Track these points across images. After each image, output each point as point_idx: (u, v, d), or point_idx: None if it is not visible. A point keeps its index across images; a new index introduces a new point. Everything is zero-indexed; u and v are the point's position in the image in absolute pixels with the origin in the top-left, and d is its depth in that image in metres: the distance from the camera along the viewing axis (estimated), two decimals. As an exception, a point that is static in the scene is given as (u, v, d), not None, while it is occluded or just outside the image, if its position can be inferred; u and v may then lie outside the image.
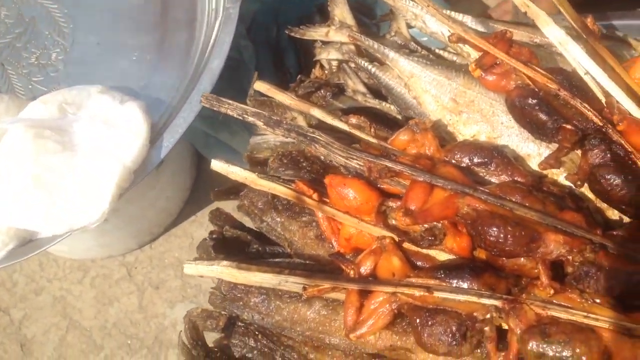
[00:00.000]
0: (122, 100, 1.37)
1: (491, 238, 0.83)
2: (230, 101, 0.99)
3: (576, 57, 0.91)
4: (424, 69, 1.08)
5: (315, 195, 1.02)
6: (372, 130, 1.01)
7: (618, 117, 0.85)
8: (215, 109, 1.00)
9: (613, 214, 0.95)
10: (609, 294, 0.79)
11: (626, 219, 0.93)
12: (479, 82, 0.98)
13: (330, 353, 1.02)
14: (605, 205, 0.94)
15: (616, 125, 0.85)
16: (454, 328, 0.83)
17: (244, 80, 1.66)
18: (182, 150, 1.80)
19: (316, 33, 1.21)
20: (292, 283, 0.98)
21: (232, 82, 1.66)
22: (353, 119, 1.02)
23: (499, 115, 1.00)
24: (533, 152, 0.98)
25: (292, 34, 1.22)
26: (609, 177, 0.87)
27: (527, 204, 0.86)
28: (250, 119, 0.98)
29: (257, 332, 1.10)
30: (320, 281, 0.95)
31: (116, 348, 1.73)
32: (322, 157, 1.01)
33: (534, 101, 0.92)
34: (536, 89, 0.94)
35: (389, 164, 0.91)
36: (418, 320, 0.86)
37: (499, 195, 0.87)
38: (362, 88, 1.23)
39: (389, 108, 1.19)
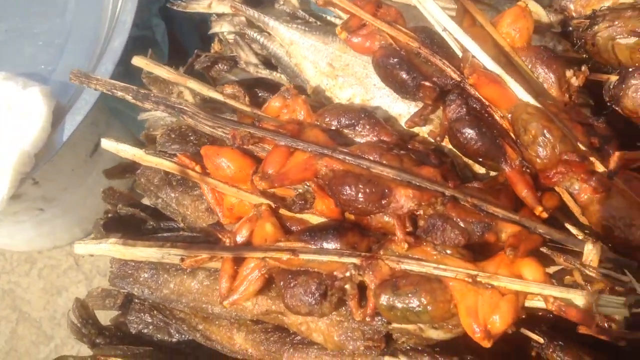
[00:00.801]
0: (25, 85, 1.36)
1: (344, 196, 0.84)
2: (98, 77, 0.99)
3: (433, 13, 0.92)
4: (302, 36, 1.08)
5: (198, 168, 1.02)
6: (246, 99, 1.01)
7: (468, 70, 0.85)
8: (85, 85, 1.00)
9: (481, 168, 0.96)
10: (456, 244, 0.80)
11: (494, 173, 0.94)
12: (347, 44, 0.98)
13: (217, 322, 1.03)
14: (475, 159, 0.95)
15: (467, 79, 0.86)
16: (313, 288, 0.84)
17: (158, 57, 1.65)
18: (120, 134, 1.80)
19: (199, 5, 1.21)
20: (173, 255, 0.99)
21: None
22: (228, 89, 1.02)
23: (371, 77, 1.01)
24: (403, 111, 0.99)
25: (175, 7, 1.21)
26: (464, 130, 0.88)
27: (384, 162, 0.86)
28: (120, 93, 0.98)
29: (152, 308, 1.11)
30: (198, 252, 0.96)
31: (66, 337, 1.72)
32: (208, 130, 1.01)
33: (395, 60, 0.93)
34: (398, 48, 0.94)
35: (252, 130, 0.91)
36: (282, 283, 0.87)
37: (357, 154, 0.87)
38: (254, 59, 1.22)
39: (280, 78, 1.19)
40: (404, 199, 0.83)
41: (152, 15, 1.66)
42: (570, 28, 1.08)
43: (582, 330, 0.86)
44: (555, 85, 0.97)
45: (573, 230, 0.90)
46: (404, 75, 0.92)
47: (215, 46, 1.32)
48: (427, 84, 0.91)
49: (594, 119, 0.95)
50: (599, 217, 0.82)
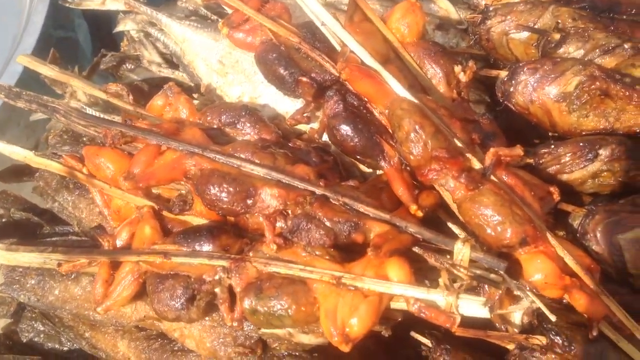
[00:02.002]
0: None
1: (208, 196, 0.81)
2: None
3: (312, 7, 0.89)
4: (194, 33, 1.05)
5: (85, 170, 0.99)
6: (130, 97, 0.98)
7: (341, 64, 0.83)
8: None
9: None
10: (321, 244, 0.77)
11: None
12: (229, 40, 0.95)
13: (103, 330, 0.99)
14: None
15: (340, 73, 0.83)
16: (179, 292, 0.81)
17: (80, 58, 1.62)
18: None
19: (92, 2, 1.17)
20: (54, 260, 0.95)
21: (69, 61, 1.63)
22: (112, 87, 0.99)
23: (259, 75, 0.98)
24: (290, 109, 0.96)
25: (67, 4, 1.18)
26: (340, 127, 0.85)
27: (255, 160, 0.83)
28: (-7, 92, 0.95)
29: (43, 316, 1.07)
30: (77, 256, 0.92)
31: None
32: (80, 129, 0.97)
33: (274, 55, 0.90)
34: (278, 44, 0.91)
35: (123, 129, 0.87)
36: (150, 288, 0.84)
37: (228, 153, 0.84)
38: (157, 58, 1.19)
39: (182, 77, 1.16)
40: (270, 198, 0.80)
41: (75, 17, 1.63)
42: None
43: (458, 332, 0.84)
44: (443, 80, 0.95)
45: (455, 229, 0.87)
46: (282, 71, 0.89)
47: (124, 45, 1.28)
48: (304, 79, 0.88)
49: (479, 115, 0.93)
50: (471, 215, 0.79)
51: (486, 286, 0.89)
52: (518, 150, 0.81)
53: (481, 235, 0.80)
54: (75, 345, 1.05)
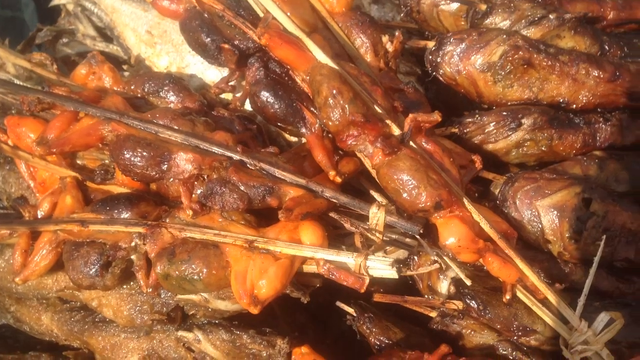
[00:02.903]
0: None
1: (122, 161, 0.79)
2: None
3: (233, -26, 0.88)
4: (123, 3, 1.03)
5: (11, 141, 0.97)
6: (54, 66, 0.96)
7: (260, 30, 0.82)
8: None
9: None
10: (235, 208, 0.76)
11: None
12: (154, 8, 0.94)
13: (27, 303, 0.97)
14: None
15: (259, 39, 0.82)
16: (93, 259, 0.80)
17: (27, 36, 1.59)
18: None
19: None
20: (-26, 232, 0.93)
21: (17, 40, 1.60)
22: (35, 57, 0.96)
23: (186, 44, 0.96)
24: (217, 79, 0.95)
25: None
26: (260, 94, 0.84)
27: (174, 127, 0.82)
28: None
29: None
30: (-3, 227, 0.91)
31: None
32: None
33: (197, 22, 0.89)
34: (201, 11, 0.90)
35: (40, 95, 0.86)
36: (65, 255, 0.82)
37: (147, 119, 0.83)
38: (92, 32, 1.17)
39: (117, 50, 1.14)
40: (184, 163, 0.79)
41: (22, -6, 1.60)
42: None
43: (377, 298, 0.84)
44: (370, 50, 0.95)
45: (378, 197, 0.87)
46: (205, 38, 0.88)
47: (60, 20, 1.26)
48: (226, 46, 0.87)
49: (404, 84, 0.93)
50: (388, 180, 0.79)
51: (416, 257, 0.91)
52: (436, 116, 0.81)
53: (398, 200, 0.80)
54: (2, 320, 1.03)
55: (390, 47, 0.94)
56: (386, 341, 0.86)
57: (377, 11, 1.11)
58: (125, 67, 1.05)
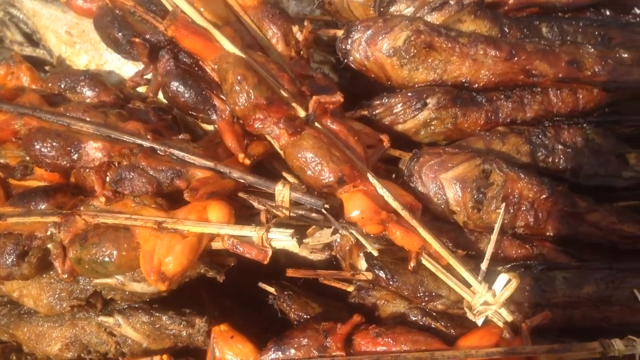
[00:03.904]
0: None
1: (34, 152, 0.82)
2: None
3: (141, -30, 0.91)
4: (43, 6, 1.06)
5: None
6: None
7: (166, 23, 0.85)
8: None
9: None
10: (144, 192, 0.79)
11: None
12: (69, 7, 0.97)
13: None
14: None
15: (167, 31, 0.86)
16: (9, 249, 0.82)
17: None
18: None
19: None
20: None
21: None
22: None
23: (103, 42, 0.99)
24: (132, 72, 0.98)
25: None
26: (171, 84, 0.87)
27: (86, 118, 0.85)
28: None
29: None
30: None
31: None
32: None
33: (109, 19, 0.92)
34: (113, 7, 0.93)
35: (-47, 95, 0.88)
36: (-18, 248, 0.84)
37: (59, 112, 0.86)
38: (19, 38, 1.19)
39: (43, 54, 1.16)
40: (94, 151, 0.82)
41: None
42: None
43: (290, 273, 0.87)
44: (281, 40, 0.99)
45: (290, 178, 0.90)
46: (117, 33, 0.92)
47: (-8, 28, 1.27)
48: (137, 40, 0.90)
49: (313, 71, 0.97)
50: (293, 159, 0.83)
51: (338, 239, 0.94)
52: (338, 97, 0.85)
53: (304, 178, 0.83)
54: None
55: (300, 37, 0.98)
56: (305, 316, 0.89)
57: (296, 5, 1.15)
58: (47, 68, 1.07)
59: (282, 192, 0.81)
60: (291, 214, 0.83)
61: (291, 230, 0.76)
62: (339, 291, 0.95)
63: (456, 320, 0.86)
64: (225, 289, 1.05)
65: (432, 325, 0.86)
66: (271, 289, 0.92)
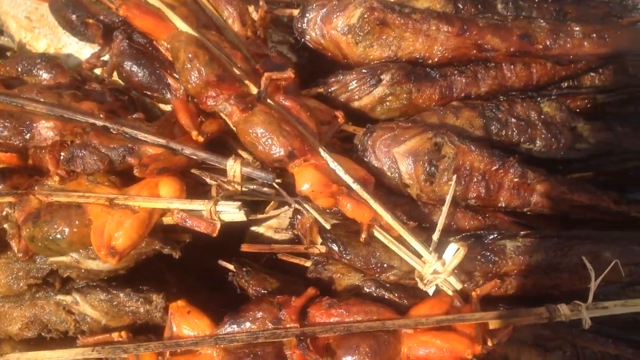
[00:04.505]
0: None
1: (-16, 134, 0.82)
2: None
3: (97, -47, 0.92)
4: (1, -8, 1.06)
5: None
6: None
7: (117, 2, 0.86)
8: None
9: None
10: (96, 169, 0.80)
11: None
12: (26, -8, 0.97)
13: None
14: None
15: (118, 11, 0.86)
16: (-35, 229, 0.83)
17: None
18: None
19: None
20: None
21: None
22: None
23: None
24: (89, 54, 0.98)
25: None
26: (124, 64, 0.89)
27: (40, 99, 0.86)
28: None
29: None
30: None
31: None
32: None
33: (63, 1, 0.93)
34: (68, -11, 0.94)
35: None
36: (-60, 229, 0.85)
37: (13, 94, 0.86)
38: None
39: (7, 41, 1.16)
40: (46, 131, 0.82)
41: None
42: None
43: (244, 248, 0.89)
44: (237, 20, 0.99)
45: (244, 154, 0.92)
46: (71, 15, 0.92)
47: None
48: (91, 21, 0.91)
49: (269, 49, 0.98)
50: (245, 135, 0.84)
51: (299, 216, 0.96)
52: (289, 73, 0.87)
53: (256, 153, 0.85)
54: None
55: (255, 16, 0.99)
56: (262, 291, 0.91)
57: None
58: (9, 54, 1.08)
59: (234, 167, 0.82)
60: (243, 189, 0.84)
61: (238, 203, 0.78)
62: (299, 267, 0.97)
63: (409, 291, 0.88)
64: (192, 269, 1.07)
65: (386, 296, 0.87)
66: (230, 266, 0.94)
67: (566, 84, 1.09)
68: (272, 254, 0.96)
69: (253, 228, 1.07)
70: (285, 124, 0.84)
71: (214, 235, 0.77)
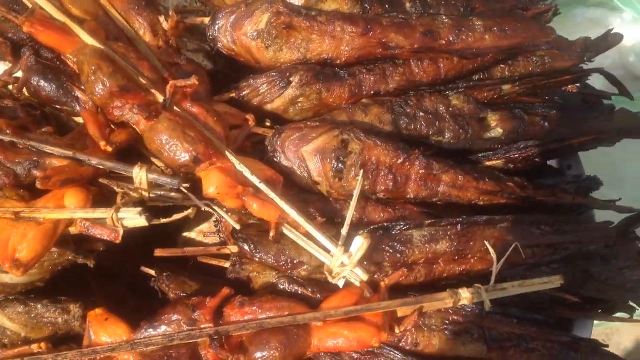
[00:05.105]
0: None
1: None
2: None
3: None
4: None
5: None
6: None
7: (21, 19, 0.88)
8: None
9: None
10: (1, 185, 0.82)
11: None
12: None
13: None
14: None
15: (22, 27, 0.88)
16: None
17: None
18: None
19: None
20: None
21: None
22: None
23: (-25, 45, 1.01)
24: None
25: None
26: (32, 80, 0.90)
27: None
28: None
29: None
30: None
31: None
32: None
33: (-31, 22, 0.94)
34: (-26, 10, 0.95)
35: None
36: None
37: None
38: None
39: None
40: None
41: None
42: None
43: (158, 253, 0.91)
44: (149, 31, 1.02)
45: (156, 161, 0.93)
46: (-23, 35, 0.93)
47: None
48: (-1, 40, 0.92)
49: (180, 58, 1.01)
50: (151, 143, 0.86)
51: (222, 222, 0.98)
52: (193, 80, 0.89)
53: (163, 160, 0.87)
54: None
55: (165, 26, 1.01)
56: (182, 294, 0.93)
57: (175, -1, 1.18)
58: None
59: (140, 175, 0.84)
60: (151, 195, 0.86)
61: (139, 209, 0.80)
62: (224, 269, 0.99)
63: (323, 286, 0.91)
64: (124, 277, 1.08)
65: (300, 292, 0.90)
66: (151, 272, 0.96)
67: (478, 77, 1.12)
68: (194, 257, 0.98)
69: (185, 234, 1.09)
70: (190, 130, 0.86)
71: (117, 241, 0.79)
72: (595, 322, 2.03)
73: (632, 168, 1.69)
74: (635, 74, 2.09)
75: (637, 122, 1.08)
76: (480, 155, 1.05)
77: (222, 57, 1.09)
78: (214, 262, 0.97)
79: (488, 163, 1.05)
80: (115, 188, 0.86)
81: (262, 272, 0.92)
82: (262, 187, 0.87)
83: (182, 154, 0.85)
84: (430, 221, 0.91)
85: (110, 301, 1.01)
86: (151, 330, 0.85)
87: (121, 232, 0.79)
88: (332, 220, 0.94)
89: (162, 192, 0.86)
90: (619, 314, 0.99)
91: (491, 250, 0.89)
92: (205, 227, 1.09)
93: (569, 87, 1.21)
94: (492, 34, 1.03)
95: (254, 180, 0.87)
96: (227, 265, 0.96)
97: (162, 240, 0.98)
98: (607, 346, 0.90)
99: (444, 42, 1.02)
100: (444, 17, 1.04)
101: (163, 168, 0.90)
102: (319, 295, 0.89)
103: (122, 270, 1.08)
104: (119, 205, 0.80)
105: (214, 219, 1.02)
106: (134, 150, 0.94)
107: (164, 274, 0.95)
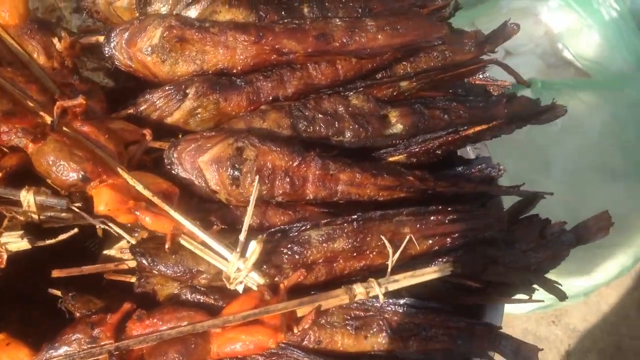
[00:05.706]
0: None
1: None
2: None
3: None
4: None
5: None
6: None
7: None
8: None
9: None
10: None
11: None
12: None
13: None
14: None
15: None
16: None
17: None
18: None
19: None
20: None
21: None
22: None
23: None
24: None
25: None
26: None
27: None
28: None
29: None
30: None
31: None
32: None
33: None
34: None
35: None
36: None
37: None
38: None
39: None
40: None
41: None
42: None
43: (55, 273, 0.91)
44: (42, 53, 1.02)
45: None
46: None
47: None
48: None
49: (73, 79, 1.01)
50: (39, 165, 0.86)
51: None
52: (80, 100, 0.90)
53: (52, 182, 0.87)
54: None
55: (59, 48, 1.01)
56: (87, 313, 0.93)
57: (78, 19, 1.19)
58: None
59: (27, 198, 0.85)
60: (41, 217, 0.86)
61: (21, 232, 0.80)
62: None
63: (225, 292, 0.91)
64: (42, 301, 1.08)
65: (202, 300, 0.91)
66: (57, 292, 0.96)
67: (380, 75, 1.14)
68: (102, 274, 0.98)
69: (105, 251, 1.09)
70: (77, 150, 0.87)
71: (2, 266, 0.79)
72: (542, 304, 2.06)
73: (558, 151, 1.72)
74: (566, 59, 2.14)
75: (531, 108, 1.11)
76: (382, 151, 1.07)
77: (123, 74, 1.09)
78: (121, 278, 0.97)
79: (391, 159, 1.07)
80: (4, 212, 0.86)
81: (165, 284, 0.93)
82: (155, 200, 0.88)
83: (70, 174, 0.85)
84: (326, 220, 0.92)
85: (23, 324, 1.01)
86: (52, 351, 0.85)
87: (5, 256, 0.79)
88: (233, 227, 0.95)
89: (53, 213, 0.86)
90: (519, 296, 1.01)
91: (387, 244, 0.90)
92: (123, 243, 1.09)
93: (475, 79, 1.24)
94: (384, 33, 1.06)
95: (147, 193, 0.88)
96: (133, 279, 0.96)
97: (84, 260, 0.98)
98: (501, 328, 0.92)
99: (337, 44, 1.04)
100: (337, 20, 1.06)
101: (44, 189, 0.90)
102: (221, 302, 0.90)
103: (38, 292, 1.07)
104: (1, 230, 0.80)
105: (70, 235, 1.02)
106: (31, 173, 0.94)
107: (70, 294, 0.95)
